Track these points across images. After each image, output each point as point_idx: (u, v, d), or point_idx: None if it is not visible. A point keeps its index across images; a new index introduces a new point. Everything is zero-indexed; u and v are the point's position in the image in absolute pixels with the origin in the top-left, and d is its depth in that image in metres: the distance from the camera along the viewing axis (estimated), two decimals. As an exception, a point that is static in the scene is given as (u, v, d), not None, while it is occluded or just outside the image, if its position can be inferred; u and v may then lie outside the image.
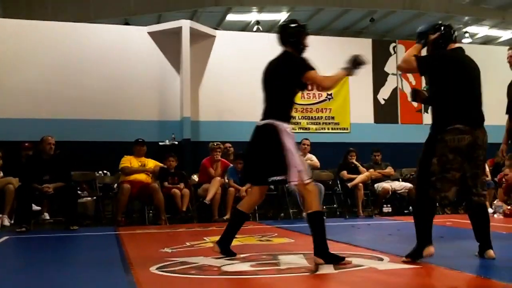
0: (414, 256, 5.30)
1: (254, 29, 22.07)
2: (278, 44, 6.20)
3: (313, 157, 12.24)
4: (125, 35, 14.21)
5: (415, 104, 13.78)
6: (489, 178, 12.61)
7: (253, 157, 5.73)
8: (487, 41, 25.07)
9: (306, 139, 12.30)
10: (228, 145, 12.74)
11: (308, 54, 14.49)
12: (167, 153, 11.75)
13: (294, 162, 5.34)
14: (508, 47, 7.59)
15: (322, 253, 5.13)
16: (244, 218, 6.00)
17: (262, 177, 5.58)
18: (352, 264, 5.19)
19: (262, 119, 5.74)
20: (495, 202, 11.89)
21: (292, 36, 6.30)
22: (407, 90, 14.87)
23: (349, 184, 11.97)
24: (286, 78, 5.97)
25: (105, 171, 12.35)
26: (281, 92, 5.91)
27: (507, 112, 7.66)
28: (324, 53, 15.10)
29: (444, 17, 22.16)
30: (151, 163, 11.24)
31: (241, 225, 5.96)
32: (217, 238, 6.00)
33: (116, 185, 11.47)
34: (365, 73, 15.12)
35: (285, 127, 5.62)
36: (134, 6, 19.26)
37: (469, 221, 5.62)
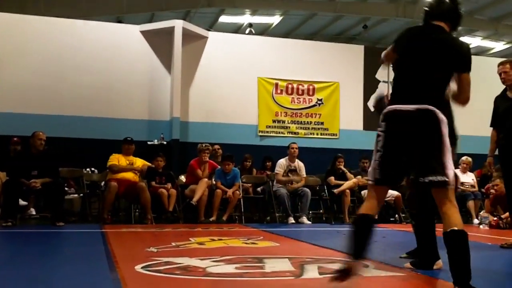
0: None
1: (247, 31, 22.08)
2: (428, 17, 4.86)
3: (302, 168, 12.16)
4: (118, 33, 14.19)
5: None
6: (476, 189, 12.68)
7: (399, 151, 4.32)
8: (480, 52, 25.17)
9: (294, 143, 12.30)
10: (216, 147, 12.75)
11: (299, 59, 14.56)
12: (155, 153, 11.73)
13: (451, 162, 4.24)
14: (499, 62, 7.61)
15: (464, 284, 4.27)
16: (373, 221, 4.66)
17: (408, 176, 4.74)
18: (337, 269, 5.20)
19: (409, 103, 4.28)
20: (481, 213, 11.95)
21: (454, 13, 4.97)
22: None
23: (336, 191, 11.99)
24: (453, 64, 4.55)
25: (92, 169, 12.32)
26: (445, 76, 4.48)
27: (492, 125, 7.67)
28: (316, 58, 15.19)
29: (437, 26, 22.28)
30: (139, 162, 11.23)
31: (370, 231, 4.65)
32: (202, 239, 5.98)
33: (103, 183, 11.44)
34: (356, 80, 15.19)
35: (444, 117, 4.25)
36: (127, 4, 19.23)
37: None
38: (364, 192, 12.22)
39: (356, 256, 4.32)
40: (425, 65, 4.42)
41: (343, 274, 4.23)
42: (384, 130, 4.36)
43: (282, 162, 11.96)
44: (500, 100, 7.69)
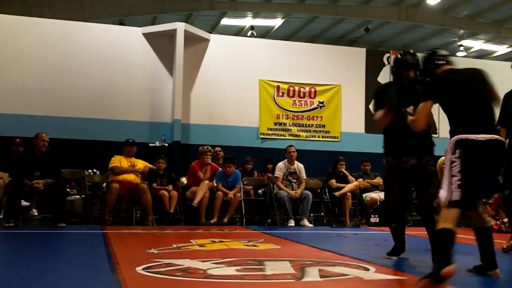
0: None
1: (248, 34, 22.11)
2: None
3: (302, 170, 12.16)
4: (120, 35, 14.21)
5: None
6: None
7: (496, 171, 5.09)
8: (482, 55, 25.18)
9: (291, 146, 12.28)
10: (218, 149, 12.75)
11: (301, 62, 14.56)
12: (156, 155, 11.74)
13: None
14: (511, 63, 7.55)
15: None
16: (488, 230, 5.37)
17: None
18: (338, 272, 5.21)
19: (486, 132, 4.98)
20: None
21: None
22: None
23: (337, 193, 11.99)
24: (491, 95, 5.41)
25: (94, 170, 12.34)
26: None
27: (499, 124, 7.24)
28: (317, 61, 15.20)
29: (440, 29, 22.31)
30: (141, 164, 11.25)
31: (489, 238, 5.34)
32: (203, 241, 5.98)
33: (105, 184, 11.46)
34: (358, 83, 15.19)
35: None
36: (129, 6, 19.30)
37: (459, 235, 5.61)
38: (365, 195, 12.23)
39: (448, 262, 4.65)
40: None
41: (437, 280, 4.61)
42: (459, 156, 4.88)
43: (281, 165, 11.96)
44: (510, 98, 7.56)
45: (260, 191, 12.47)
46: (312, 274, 5.05)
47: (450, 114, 5.17)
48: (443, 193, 4.88)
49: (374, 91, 7.15)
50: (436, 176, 6.27)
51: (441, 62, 5.49)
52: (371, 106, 6.86)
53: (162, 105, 13.90)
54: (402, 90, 6.31)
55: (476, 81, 5.27)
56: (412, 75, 6.33)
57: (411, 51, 6.61)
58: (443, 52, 5.70)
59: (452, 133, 5.03)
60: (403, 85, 6.38)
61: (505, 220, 10.79)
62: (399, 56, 6.57)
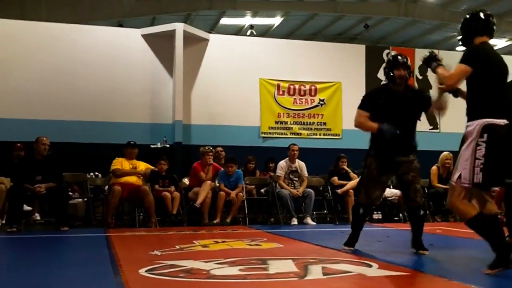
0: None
1: (248, 33, 22.10)
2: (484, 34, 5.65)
3: (304, 168, 12.16)
4: (119, 37, 14.21)
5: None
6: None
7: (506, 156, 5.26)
8: (482, 49, 25.14)
9: (294, 144, 12.28)
10: (219, 149, 12.74)
11: (301, 60, 14.56)
12: (158, 156, 11.73)
13: None
14: None
15: None
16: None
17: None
18: (341, 270, 5.21)
19: (506, 117, 5.16)
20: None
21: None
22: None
23: (339, 191, 11.99)
24: None
25: (96, 173, 12.34)
26: None
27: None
28: (317, 59, 15.19)
29: (439, 24, 22.30)
30: (142, 166, 11.25)
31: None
32: (206, 241, 5.98)
33: (107, 187, 11.46)
34: (358, 80, 15.17)
35: None
36: (128, 8, 19.29)
37: (458, 229, 5.76)
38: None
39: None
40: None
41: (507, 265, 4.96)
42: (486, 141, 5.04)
43: (283, 164, 11.95)
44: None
45: (262, 190, 12.47)
46: (316, 272, 5.05)
47: (479, 92, 5.23)
48: (465, 174, 5.07)
49: (366, 95, 7.42)
50: (419, 172, 6.63)
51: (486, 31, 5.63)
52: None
53: (162, 106, 13.89)
54: (393, 93, 6.70)
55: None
56: (403, 73, 6.61)
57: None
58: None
59: (476, 114, 5.14)
60: (394, 86, 6.71)
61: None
62: (390, 57, 6.91)
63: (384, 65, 6.76)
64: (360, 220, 7.02)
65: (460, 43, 5.80)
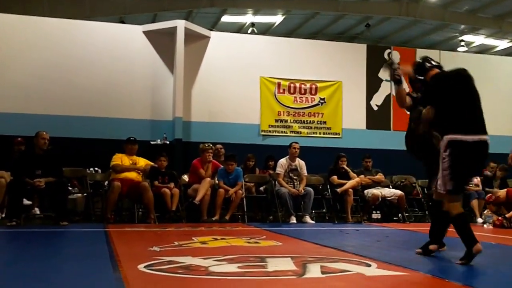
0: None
1: (249, 31, 22.11)
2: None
3: (303, 167, 12.16)
4: (120, 34, 14.20)
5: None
6: (480, 188, 12.67)
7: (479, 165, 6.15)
8: (483, 50, 25.15)
9: (296, 142, 12.29)
10: (219, 146, 12.75)
11: (301, 58, 14.57)
12: (158, 153, 11.74)
13: None
14: None
15: None
16: None
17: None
18: (339, 269, 5.22)
19: (482, 134, 5.77)
20: (485, 212, 11.94)
21: None
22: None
23: (339, 190, 11.99)
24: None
25: (96, 168, 12.35)
26: None
27: None
28: (318, 57, 15.19)
29: (440, 25, 22.30)
30: (142, 162, 11.25)
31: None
32: (205, 238, 5.99)
33: (106, 182, 11.47)
34: (359, 79, 15.18)
35: None
36: (129, 4, 19.31)
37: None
38: (367, 191, 12.24)
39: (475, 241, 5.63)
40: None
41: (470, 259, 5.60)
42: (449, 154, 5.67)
43: (283, 162, 11.96)
44: None
45: (261, 188, 12.48)
46: (314, 271, 5.05)
47: (445, 112, 5.87)
48: (440, 183, 5.76)
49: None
50: None
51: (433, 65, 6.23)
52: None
53: (163, 103, 13.89)
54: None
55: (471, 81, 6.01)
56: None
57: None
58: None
59: (444, 131, 5.79)
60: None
61: (507, 215, 10.82)
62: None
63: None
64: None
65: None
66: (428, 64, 6.24)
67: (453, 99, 5.83)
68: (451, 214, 5.80)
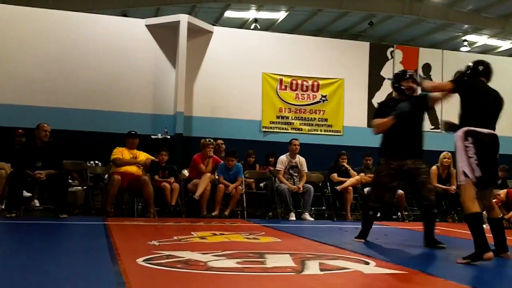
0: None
1: (252, 26, 22.11)
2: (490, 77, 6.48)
3: (304, 164, 12.17)
4: (123, 27, 14.19)
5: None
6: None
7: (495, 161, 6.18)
8: (486, 50, 25.12)
9: (296, 139, 12.29)
10: (220, 141, 12.75)
11: (304, 55, 14.55)
12: (159, 147, 11.75)
13: None
14: None
15: None
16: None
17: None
18: (338, 266, 5.22)
19: (492, 129, 6.13)
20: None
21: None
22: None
23: (338, 187, 12.00)
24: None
25: (96, 162, 12.35)
26: None
27: None
28: (321, 55, 15.18)
29: (444, 24, 22.27)
30: (143, 156, 11.24)
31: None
32: (204, 233, 5.99)
33: (106, 176, 11.47)
34: (361, 77, 15.17)
35: None
36: (133, -2, 19.29)
37: (457, 230, 5.89)
38: (367, 189, 12.22)
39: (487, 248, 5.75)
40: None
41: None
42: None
43: (283, 158, 11.96)
44: None
45: (261, 184, 12.48)
46: (313, 268, 5.06)
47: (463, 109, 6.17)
48: (467, 171, 5.82)
49: (378, 104, 8.57)
50: (429, 175, 6.96)
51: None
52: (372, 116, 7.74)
53: (164, 97, 13.89)
54: (398, 102, 7.40)
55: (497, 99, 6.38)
56: (411, 84, 7.39)
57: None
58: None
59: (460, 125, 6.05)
60: (404, 96, 7.42)
61: (507, 216, 10.82)
62: (399, 71, 7.91)
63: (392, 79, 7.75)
64: (370, 220, 7.84)
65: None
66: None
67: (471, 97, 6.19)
68: (467, 211, 5.92)
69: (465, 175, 5.84)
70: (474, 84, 6.29)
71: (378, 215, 12.19)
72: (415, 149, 7.31)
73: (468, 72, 6.41)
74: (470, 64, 6.47)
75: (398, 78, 7.55)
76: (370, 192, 8.09)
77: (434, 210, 7.30)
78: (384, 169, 7.36)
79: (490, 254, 5.66)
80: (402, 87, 7.40)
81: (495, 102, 6.30)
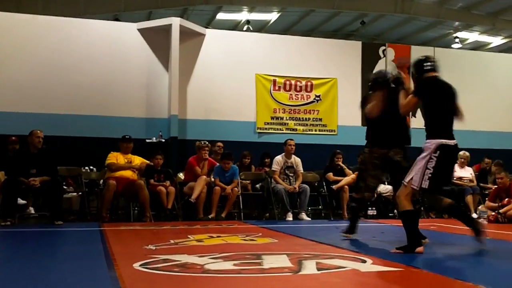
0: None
1: (244, 28, 22.10)
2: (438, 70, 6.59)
3: (299, 164, 12.18)
4: (115, 31, 14.16)
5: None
6: (475, 183, 12.68)
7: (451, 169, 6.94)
8: (477, 47, 25.18)
9: (291, 139, 12.30)
10: (220, 144, 12.78)
11: (297, 55, 14.56)
12: (154, 151, 11.74)
13: None
14: None
15: None
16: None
17: None
18: (335, 265, 5.22)
19: (454, 138, 6.40)
20: (479, 207, 11.95)
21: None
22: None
23: (334, 186, 12.01)
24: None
25: (91, 167, 12.32)
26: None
27: None
28: (313, 55, 15.19)
29: (435, 22, 22.33)
30: (138, 160, 11.23)
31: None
32: (201, 236, 5.98)
33: (101, 181, 11.45)
34: (354, 76, 15.18)
35: None
36: (124, 2, 19.24)
37: (453, 226, 5.97)
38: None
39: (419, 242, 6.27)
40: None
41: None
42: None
43: (279, 159, 11.97)
44: None
45: (257, 185, 12.48)
46: (310, 267, 5.05)
47: (431, 116, 6.43)
48: (415, 178, 6.20)
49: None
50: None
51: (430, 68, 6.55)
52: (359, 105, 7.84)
53: (158, 100, 13.87)
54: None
55: (453, 94, 6.51)
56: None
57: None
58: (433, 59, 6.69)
59: (433, 135, 6.28)
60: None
61: (501, 211, 10.83)
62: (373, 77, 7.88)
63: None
64: (354, 213, 8.10)
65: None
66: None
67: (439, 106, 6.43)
68: (402, 209, 6.39)
69: (412, 181, 6.24)
70: (431, 87, 6.49)
71: (375, 212, 12.31)
72: (398, 139, 7.43)
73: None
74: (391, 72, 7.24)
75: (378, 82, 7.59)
76: (357, 184, 8.08)
77: (416, 206, 7.32)
78: (368, 158, 7.50)
79: (421, 248, 6.15)
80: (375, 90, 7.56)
81: (453, 100, 6.53)
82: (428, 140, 6.28)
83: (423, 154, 6.24)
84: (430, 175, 6.14)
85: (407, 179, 6.29)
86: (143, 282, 4.56)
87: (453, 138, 6.33)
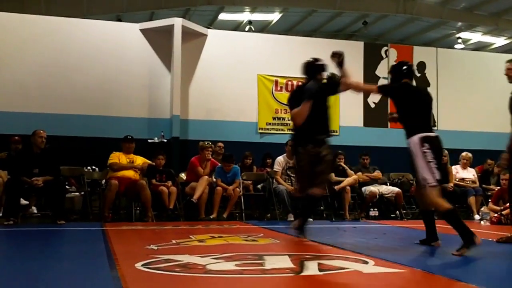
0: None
1: (246, 29, 22.12)
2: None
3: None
4: (117, 32, 14.19)
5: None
6: (477, 185, 12.67)
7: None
8: (480, 47, 25.17)
9: (292, 140, 12.29)
10: (221, 145, 12.77)
11: (299, 56, 14.60)
12: (155, 151, 11.74)
13: None
14: (506, 60, 7.76)
15: None
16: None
17: None
18: (337, 266, 5.22)
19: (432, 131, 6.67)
20: (482, 209, 11.93)
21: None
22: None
23: (336, 187, 11.99)
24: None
25: (93, 167, 12.34)
26: None
27: None
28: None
29: (437, 22, 22.32)
30: (140, 160, 11.23)
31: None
32: (202, 236, 5.98)
33: (104, 181, 11.45)
34: (356, 76, 15.12)
35: None
36: (126, 2, 19.27)
37: (450, 226, 6.04)
38: (364, 189, 12.24)
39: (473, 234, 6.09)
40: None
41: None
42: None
43: (281, 159, 11.95)
44: None
45: (259, 186, 12.47)
46: (311, 268, 5.05)
47: (410, 117, 6.70)
48: (429, 177, 6.24)
49: (290, 94, 9.16)
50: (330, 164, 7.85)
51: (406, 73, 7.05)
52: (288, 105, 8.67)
53: (160, 101, 13.89)
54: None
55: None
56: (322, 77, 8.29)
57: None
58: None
59: (412, 133, 6.47)
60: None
61: (504, 212, 10.80)
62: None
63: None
64: (303, 213, 8.15)
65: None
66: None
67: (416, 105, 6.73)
68: (442, 210, 6.27)
69: (427, 180, 6.25)
70: (406, 88, 6.89)
71: (377, 213, 12.30)
72: (326, 134, 7.79)
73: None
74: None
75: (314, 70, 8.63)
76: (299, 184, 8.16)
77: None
78: (304, 157, 7.56)
79: (478, 238, 6.03)
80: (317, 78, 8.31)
81: (429, 102, 6.96)
82: (409, 139, 6.47)
83: (414, 153, 6.37)
84: (436, 165, 6.27)
85: (422, 183, 6.33)
86: (145, 282, 4.57)
87: (432, 132, 6.56)
